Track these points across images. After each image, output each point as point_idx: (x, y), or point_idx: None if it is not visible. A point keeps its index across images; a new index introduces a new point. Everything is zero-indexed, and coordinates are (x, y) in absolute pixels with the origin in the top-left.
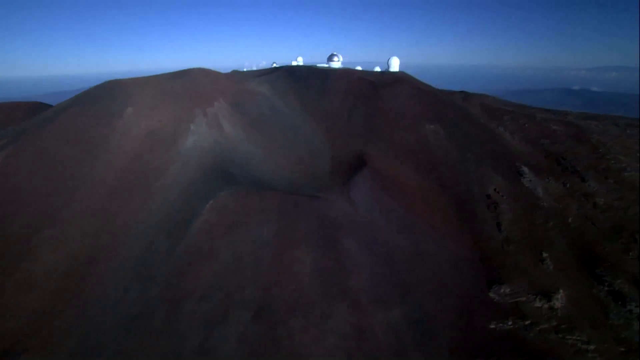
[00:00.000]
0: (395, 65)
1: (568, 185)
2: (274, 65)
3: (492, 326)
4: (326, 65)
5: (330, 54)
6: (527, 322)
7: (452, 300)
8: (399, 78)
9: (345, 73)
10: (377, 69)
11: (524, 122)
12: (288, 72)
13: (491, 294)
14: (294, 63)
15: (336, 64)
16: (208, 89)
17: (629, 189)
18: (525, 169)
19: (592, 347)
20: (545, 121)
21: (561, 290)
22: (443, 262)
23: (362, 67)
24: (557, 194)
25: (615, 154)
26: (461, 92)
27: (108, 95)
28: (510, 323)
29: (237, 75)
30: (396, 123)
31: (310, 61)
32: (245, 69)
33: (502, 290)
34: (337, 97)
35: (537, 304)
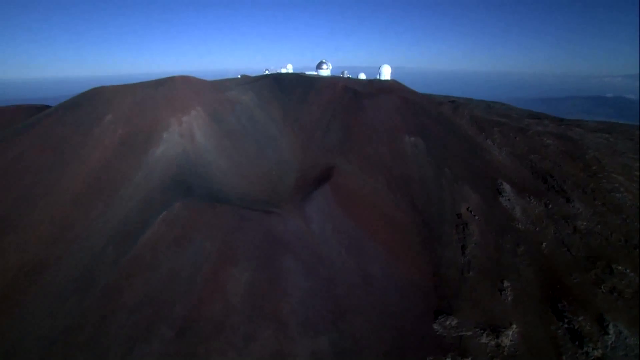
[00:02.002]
0: (386, 74)
1: (550, 205)
2: (266, 72)
3: None
4: (315, 73)
5: (319, 61)
6: None
7: (390, 330)
8: (387, 87)
9: (331, 82)
10: (362, 75)
11: (515, 135)
12: (275, 80)
13: (435, 326)
14: (284, 70)
15: (325, 71)
16: (187, 97)
17: (615, 213)
18: (507, 187)
19: None
20: (538, 135)
21: (514, 326)
22: (390, 288)
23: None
24: (536, 215)
25: (610, 173)
26: (452, 102)
27: (90, 102)
28: None
29: (224, 83)
30: (374, 135)
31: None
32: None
33: (448, 322)
34: (318, 108)
35: (484, 340)
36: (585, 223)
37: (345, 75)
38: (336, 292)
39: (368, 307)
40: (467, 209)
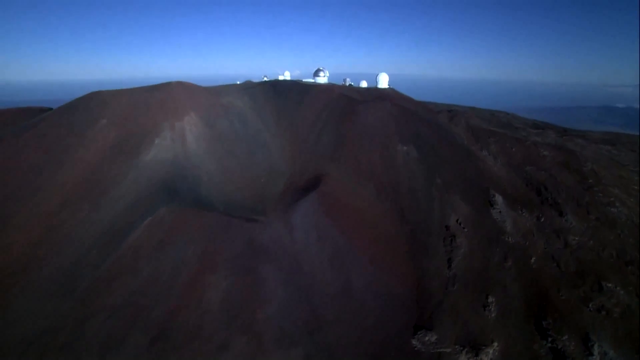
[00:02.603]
0: (383, 82)
1: (542, 219)
2: (265, 78)
3: None
4: (312, 81)
5: (316, 69)
6: None
7: (367, 344)
8: (384, 95)
9: (327, 89)
10: (364, 83)
11: (511, 145)
12: (271, 87)
13: (414, 341)
14: (281, 77)
15: (322, 79)
16: (182, 102)
17: (609, 227)
18: (499, 198)
19: None
20: (535, 145)
21: (496, 343)
22: (371, 300)
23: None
24: (526, 228)
25: (606, 186)
26: (450, 110)
27: (86, 106)
28: None
29: (221, 88)
30: (367, 142)
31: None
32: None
33: (427, 338)
34: (312, 114)
35: (463, 358)
36: (577, 237)
37: (348, 83)
38: (314, 303)
39: (346, 318)
40: (457, 220)
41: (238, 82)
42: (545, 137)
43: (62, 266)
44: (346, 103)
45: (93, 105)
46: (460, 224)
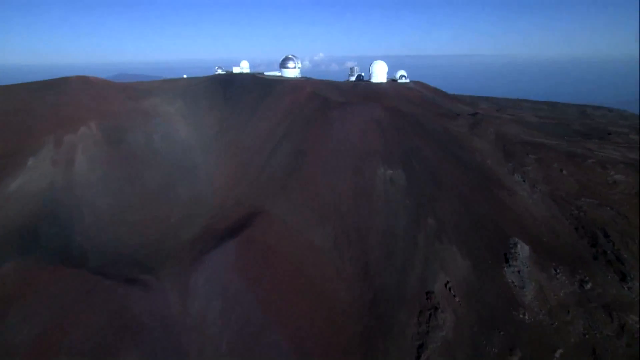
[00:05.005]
0: (379, 74)
1: (589, 285)
2: (218, 71)
3: None
4: (277, 74)
5: (284, 57)
6: None
7: None
8: (373, 94)
9: (295, 87)
10: (355, 67)
11: (562, 165)
12: (221, 85)
13: None
14: (236, 70)
15: (292, 71)
16: (81, 107)
17: None
18: (523, 250)
19: None
20: (602, 166)
21: None
22: None
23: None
24: (559, 300)
25: None
26: (475, 114)
27: None
28: None
29: (148, 87)
30: (333, 164)
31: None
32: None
33: None
34: (267, 124)
35: None
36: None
37: (356, 73)
38: None
39: None
40: (446, 284)
41: (185, 77)
42: (624, 151)
43: None
44: (317, 107)
45: None
46: (450, 289)
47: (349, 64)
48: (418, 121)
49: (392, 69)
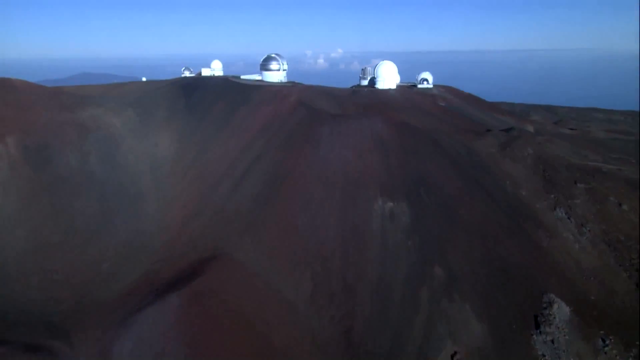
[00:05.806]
0: (386, 77)
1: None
2: (185, 73)
3: None
4: (257, 77)
5: (265, 56)
6: None
7: None
8: (377, 104)
9: (278, 93)
10: (368, 69)
11: (620, 199)
12: (184, 90)
13: None
14: (206, 72)
15: (275, 74)
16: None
17: None
18: (560, 310)
19: None
20: None
21: None
22: None
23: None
24: None
25: None
26: (509, 129)
27: None
28: None
29: (91, 91)
30: (319, 194)
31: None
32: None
33: None
34: (239, 142)
35: None
36: None
37: (369, 76)
38: None
39: None
40: (453, 355)
41: (144, 79)
42: None
43: None
44: (302, 121)
45: None
46: None
47: (366, 66)
48: (432, 139)
49: (420, 68)
